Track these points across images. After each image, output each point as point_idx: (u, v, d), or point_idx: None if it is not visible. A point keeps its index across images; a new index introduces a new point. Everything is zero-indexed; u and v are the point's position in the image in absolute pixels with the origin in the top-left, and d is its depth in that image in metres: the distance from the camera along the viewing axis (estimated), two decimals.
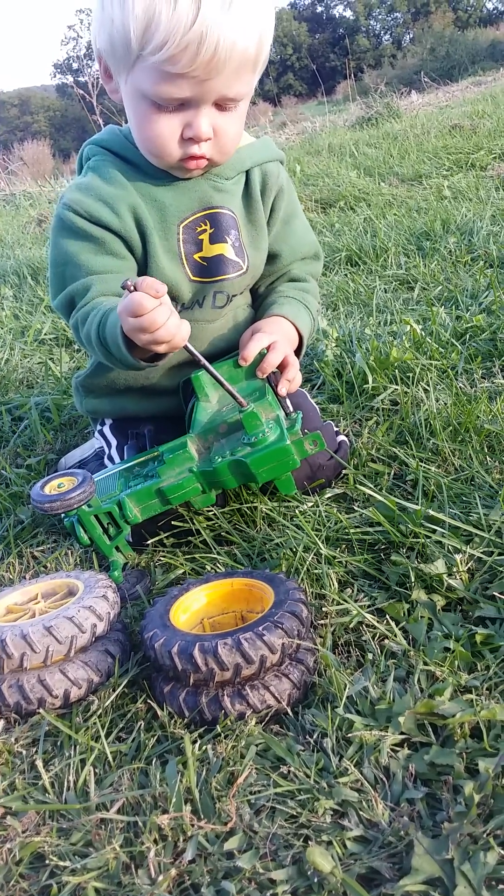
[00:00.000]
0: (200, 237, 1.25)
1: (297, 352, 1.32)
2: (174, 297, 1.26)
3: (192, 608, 0.99)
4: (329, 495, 1.26)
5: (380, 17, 54.59)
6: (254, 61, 1.09)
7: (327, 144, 5.99)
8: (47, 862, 0.72)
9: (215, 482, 1.14)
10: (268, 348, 1.21)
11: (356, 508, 1.20)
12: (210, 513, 1.22)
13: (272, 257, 1.38)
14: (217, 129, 1.13)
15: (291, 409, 1.22)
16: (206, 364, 1.09)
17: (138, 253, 1.23)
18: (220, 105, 1.12)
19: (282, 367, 1.22)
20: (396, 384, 1.58)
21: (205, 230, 1.25)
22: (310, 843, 0.69)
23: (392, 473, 1.30)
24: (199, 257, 1.25)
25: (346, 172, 4.50)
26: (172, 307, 1.03)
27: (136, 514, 1.15)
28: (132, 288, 0.98)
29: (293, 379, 1.23)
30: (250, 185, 1.31)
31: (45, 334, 2.56)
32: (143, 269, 1.24)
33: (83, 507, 1.11)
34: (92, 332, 1.12)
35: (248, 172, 1.30)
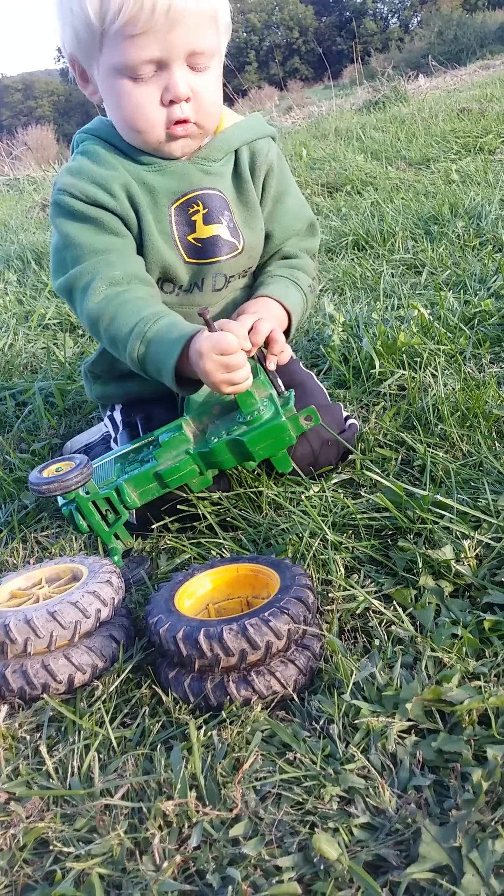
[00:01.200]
0: (193, 218, 1.24)
1: (288, 329, 1.30)
2: (170, 279, 1.27)
3: (197, 593, 0.98)
4: (335, 480, 1.25)
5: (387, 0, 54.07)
6: (212, 16, 1.12)
7: (334, 128, 5.93)
8: (51, 848, 0.71)
9: (213, 463, 1.15)
10: (251, 329, 1.19)
11: (363, 494, 1.19)
12: (216, 496, 1.21)
13: (265, 237, 1.36)
14: (194, 91, 1.14)
15: (283, 388, 1.22)
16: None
17: (134, 230, 1.23)
18: (192, 65, 1.13)
19: (268, 344, 1.21)
20: (404, 369, 1.57)
21: (197, 211, 1.24)
22: (316, 829, 0.68)
23: (399, 459, 1.28)
24: (193, 238, 1.24)
25: (353, 156, 4.46)
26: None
27: (134, 498, 1.14)
28: (213, 326, 1.06)
29: (279, 353, 1.22)
30: (239, 166, 1.30)
31: (49, 319, 2.54)
32: (140, 248, 1.23)
33: (81, 493, 1.11)
34: (129, 342, 1.13)
35: (236, 152, 1.29)
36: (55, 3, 1.17)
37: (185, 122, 1.15)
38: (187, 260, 1.25)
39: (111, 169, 1.20)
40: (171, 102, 1.13)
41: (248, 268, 1.35)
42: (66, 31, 1.16)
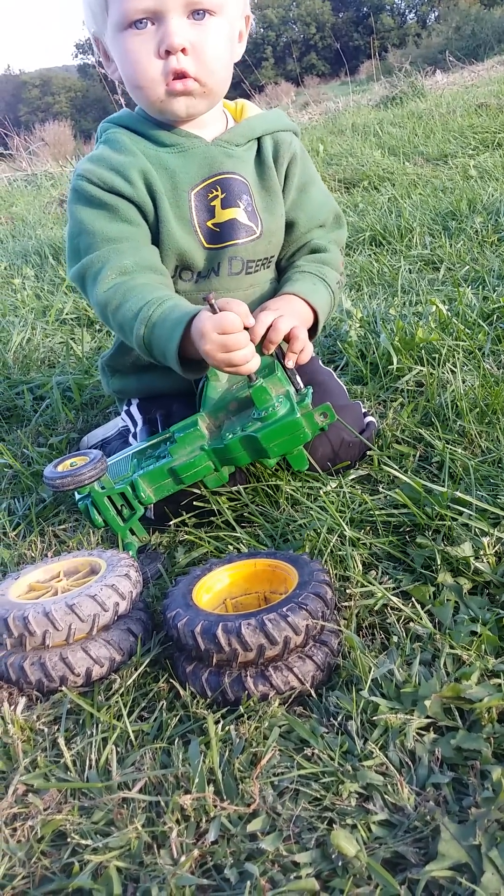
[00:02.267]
0: (212, 203, 1.24)
1: (315, 328, 1.29)
2: (187, 266, 1.27)
3: (214, 588, 0.98)
4: (353, 476, 1.25)
5: None
6: None
7: (351, 124, 5.90)
8: (69, 840, 0.71)
9: (227, 459, 1.14)
10: (272, 325, 1.19)
11: (381, 490, 1.18)
12: (234, 490, 1.21)
13: (289, 226, 1.36)
14: (194, 44, 1.14)
15: (302, 385, 1.21)
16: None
17: (151, 219, 1.23)
18: (193, 18, 1.13)
19: (288, 341, 1.20)
20: (422, 365, 1.56)
21: (216, 196, 1.24)
22: (334, 826, 0.68)
23: (417, 455, 1.27)
24: (212, 224, 1.25)
25: (370, 152, 4.44)
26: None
27: (149, 494, 1.14)
28: (216, 307, 1.04)
29: (300, 351, 1.21)
30: (262, 153, 1.30)
31: (67, 314, 2.55)
32: (156, 235, 1.23)
33: (96, 487, 1.11)
34: (133, 330, 1.14)
35: (259, 140, 1.30)
36: None
37: (183, 76, 1.15)
38: (206, 245, 1.25)
39: (130, 155, 1.21)
40: (168, 54, 1.13)
41: (269, 256, 1.34)
42: (85, 11, 1.20)
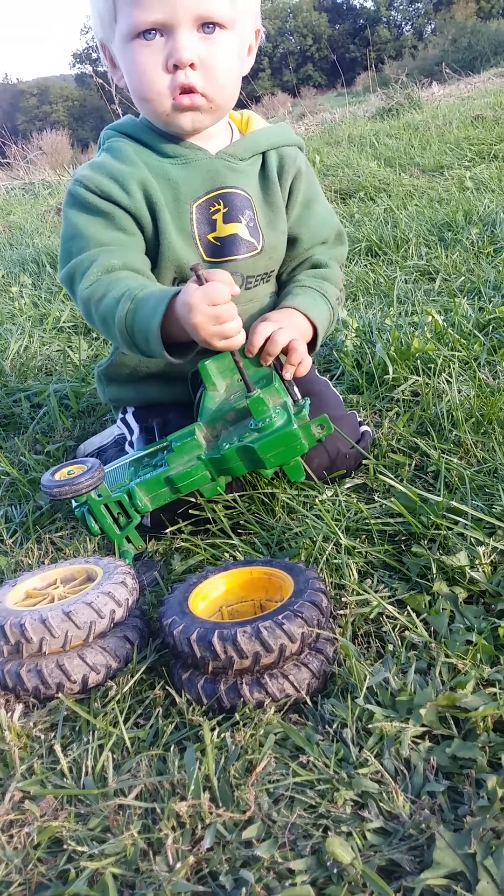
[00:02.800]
0: (214, 217, 1.24)
1: (314, 342, 1.29)
2: (186, 279, 1.26)
3: (210, 596, 0.98)
4: (349, 485, 1.25)
5: (401, 7, 54.14)
6: None
7: (347, 135, 5.94)
8: (65, 847, 0.71)
9: (224, 469, 1.14)
10: (270, 337, 1.19)
11: (377, 499, 1.19)
12: (230, 497, 1.22)
13: (292, 241, 1.36)
14: (203, 59, 1.13)
15: (299, 396, 1.22)
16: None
17: (148, 230, 1.23)
18: (203, 33, 1.13)
19: (287, 353, 1.20)
20: (418, 375, 1.57)
21: (218, 210, 1.24)
22: (329, 833, 0.68)
23: (413, 464, 1.28)
24: (213, 237, 1.25)
25: (367, 163, 4.47)
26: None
27: (146, 502, 1.15)
28: (203, 277, 1.03)
29: (298, 363, 1.21)
30: (267, 167, 1.30)
31: (64, 322, 2.56)
32: (154, 247, 1.24)
33: (93, 496, 1.11)
34: (115, 314, 1.12)
35: (264, 155, 1.30)
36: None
37: (191, 90, 1.14)
38: (206, 258, 1.25)
39: (131, 165, 1.21)
40: (176, 68, 1.13)
41: (269, 270, 1.34)
42: (94, 19, 1.19)
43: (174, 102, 1.15)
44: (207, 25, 1.12)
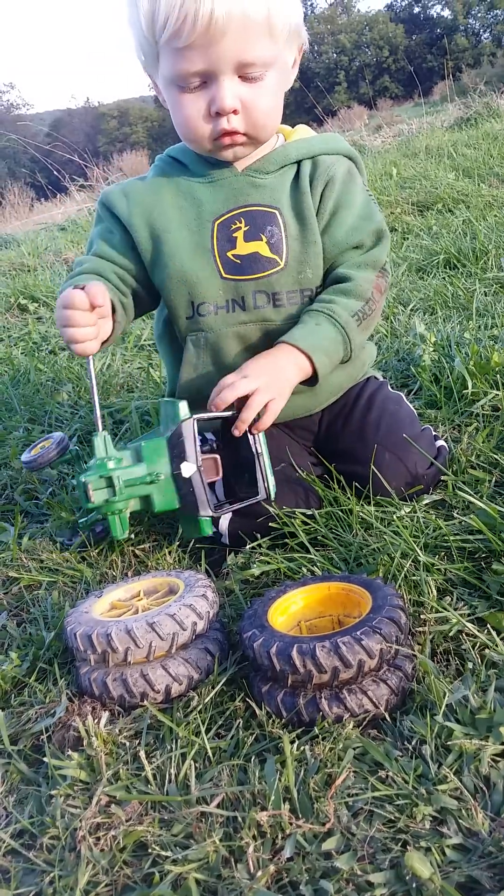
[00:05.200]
0: (234, 235, 1.25)
1: (315, 372, 1.22)
2: (202, 298, 1.26)
3: (289, 610, 1.00)
4: (427, 501, 1.25)
5: (479, 15, 53.39)
6: (265, 25, 1.10)
7: (424, 146, 5.90)
8: (150, 851, 0.74)
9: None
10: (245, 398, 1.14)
11: (456, 515, 1.19)
12: (308, 513, 1.23)
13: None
14: (245, 102, 1.14)
15: (259, 450, 1.18)
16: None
17: (146, 249, 1.29)
18: (244, 76, 1.13)
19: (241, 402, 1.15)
20: (498, 390, 1.55)
21: (239, 228, 1.25)
22: (408, 848, 0.69)
23: (493, 481, 1.27)
24: (233, 255, 1.26)
25: (444, 174, 4.43)
26: (99, 324, 1.16)
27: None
28: (81, 287, 1.13)
29: (246, 420, 1.14)
30: (300, 177, 1.28)
31: (145, 340, 2.63)
32: (154, 265, 1.29)
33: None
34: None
35: (299, 165, 1.29)
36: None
37: (232, 133, 1.17)
38: (224, 275, 1.26)
39: (150, 189, 1.29)
40: (217, 115, 1.14)
41: (303, 287, 1.29)
42: (136, 47, 1.21)
43: (216, 143, 1.19)
44: (248, 68, 1.12)
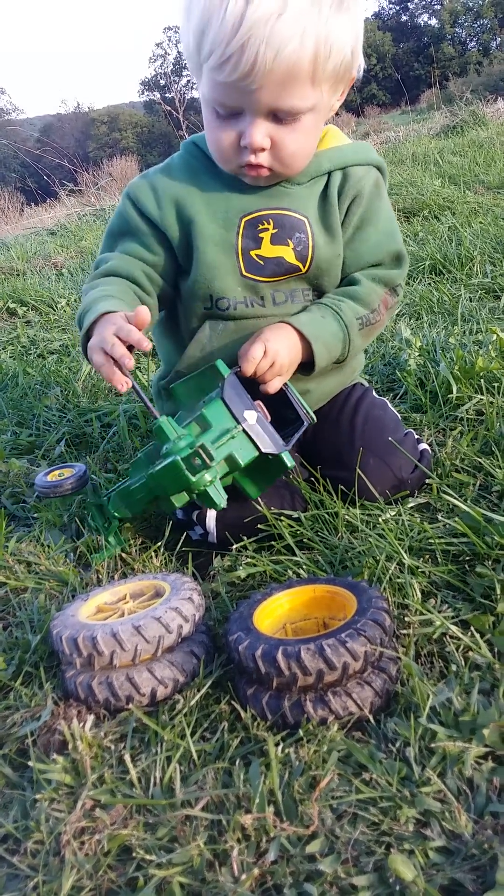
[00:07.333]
0: (261, 235, 1.24)
1: (312, 359, 1.24)
2: (221, 294, 1.26)
3: (274, 613, 1.00)
4: (412, 504, 1.26)
5: (466, 24, 53.84)
6: (308, 74, 1.06)
7: (411, 153, 5.94)
8: (134, 855, 0.74)
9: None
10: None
11: (440, 518, 1.19)
12: (293, 516, 1.24)
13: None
14: (275, 142, 1.13)
15: (306, 412, 1.23)
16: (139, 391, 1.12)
17: (177, 243, 1.27)
18: (278, 117, 1.11)
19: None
20: (482, 394, 1.56)
21: (266, 229, 1.24)
22: (392, 850, 0.69)
23: (478, 484, 1.28)
24: (256, 255, 1.25)
25: (430, 181, 4.46)
26: (128, 358, 1.08)
27: (116, 511, 1.26)
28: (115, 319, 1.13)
29: (250, 374, 1.18)
30: (329, 188, 1.27)
31: None
32: (186, 259, 1.28)
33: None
34: (78, 314, 1.23)
35: (329, 175, 1.28)
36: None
37: (258, 167, 1.16)
38: (244, 273, 1.25)
39: (178, 180, 1.26)
40: (246, 148, 1.14)
41: (310, 288, 1.31)
42: (184, 48, 1.17)
43: (241, 169, 1.18)
44: (282, 113, 1.10)
